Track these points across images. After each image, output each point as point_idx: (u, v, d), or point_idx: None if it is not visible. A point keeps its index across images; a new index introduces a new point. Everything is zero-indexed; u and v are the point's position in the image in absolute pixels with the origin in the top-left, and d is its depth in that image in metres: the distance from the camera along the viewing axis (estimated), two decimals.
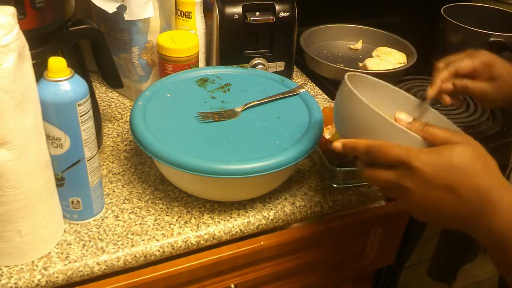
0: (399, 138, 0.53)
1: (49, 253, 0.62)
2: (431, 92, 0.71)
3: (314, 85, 1.07)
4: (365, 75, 0.68)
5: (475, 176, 0.49)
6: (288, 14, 0.95)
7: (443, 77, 0.71)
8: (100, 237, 0.65)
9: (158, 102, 0.74)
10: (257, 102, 0.76)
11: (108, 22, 0.88)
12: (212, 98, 0.77)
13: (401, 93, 0.70)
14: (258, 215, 0.71)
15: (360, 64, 1.16)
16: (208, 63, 0.99)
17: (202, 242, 0.67)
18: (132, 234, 0.66)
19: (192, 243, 0.67)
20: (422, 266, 1.06)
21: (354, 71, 0.67)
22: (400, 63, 1.13)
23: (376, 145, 0.53)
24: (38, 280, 0.59)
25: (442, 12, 1.19)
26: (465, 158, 0.49)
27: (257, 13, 0.93)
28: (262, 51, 0.97)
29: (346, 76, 0.61)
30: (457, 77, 0.71)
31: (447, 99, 0.72)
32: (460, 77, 0.71)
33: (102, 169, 0.77)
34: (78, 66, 0.71)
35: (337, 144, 0.57)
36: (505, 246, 0.48)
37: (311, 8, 1.17)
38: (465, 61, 0.71)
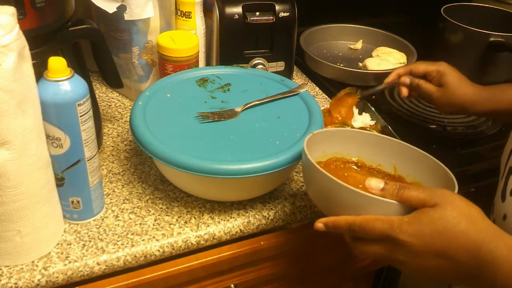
0: (375, 207, 0.52)
1: (49, 253, 0.62)
2: (387, 79, 0.88)
3: (314, 85, 1.07)
4: (332, 129, 0.67)
5: (462, 236, 0.49)
6: (288, 14, 0.95)
7: (400, 72, 0.86)
8: (100, 237, 0.65)
9: (158, 102, 0.74)
10: (257, 102, 0.76)
11: (108, 22, 0.88)
12: (212, 98, 0.77)
13: (379, 136, 0.66)
14: (258, 215, 0.71)
15: (360, 64, 1.16)
16: (208, 63, 0.99)
17: (202, 242, 0.67)
18: (132, 234, 0.66)
19: (192, 243, 0.67)
20: None
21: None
22: (400, 63, 1.13)
23: (356, 223, 0.52)
24: (38, 280, 0.59)
25: (442, 12, 1.19)
26: (448, 222, 0.49)
27: (257, 13, 0.93)
28: (262, 51, 0.97)
29: (305, 142, 0.59)
30: (414, 76, 0.85)
31: (404, 90, 0.86)
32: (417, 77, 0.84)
33: (102, 169, 0.76)
34: (78, 66, 0.71)
35: (319, 225, 0.56)
36: None
37: (311, 8, 1.17)
38: (421, 65, 0.84)
